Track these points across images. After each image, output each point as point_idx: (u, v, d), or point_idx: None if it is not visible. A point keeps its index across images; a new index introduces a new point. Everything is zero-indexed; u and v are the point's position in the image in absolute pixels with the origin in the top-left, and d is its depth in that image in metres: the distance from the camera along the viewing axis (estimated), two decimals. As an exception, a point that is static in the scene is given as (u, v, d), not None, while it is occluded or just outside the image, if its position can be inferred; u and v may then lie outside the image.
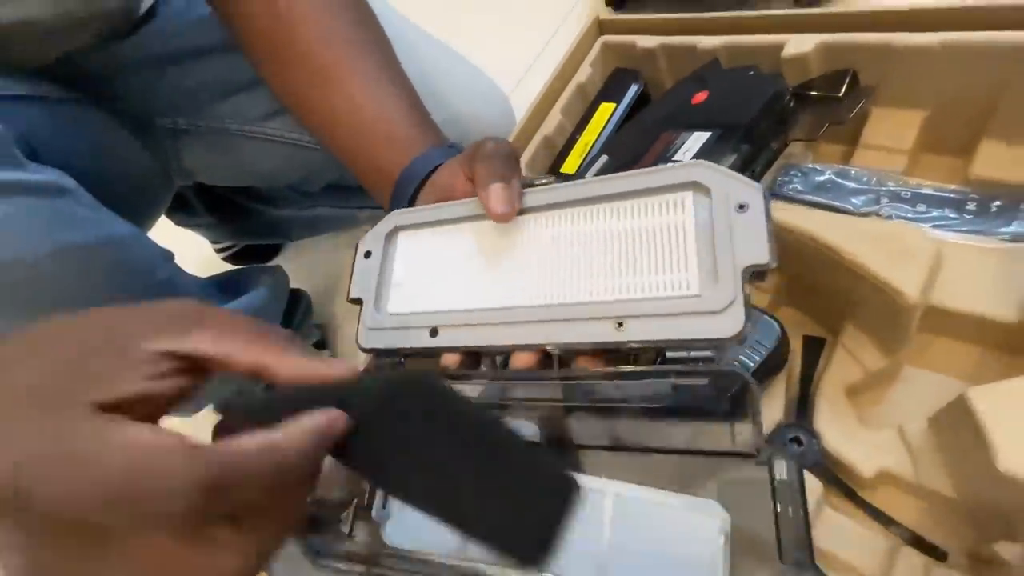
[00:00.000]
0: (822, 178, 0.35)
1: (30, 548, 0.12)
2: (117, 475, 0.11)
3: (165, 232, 0.46)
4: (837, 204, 0.33)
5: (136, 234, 0.31)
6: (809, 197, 0.35)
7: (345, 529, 0.25)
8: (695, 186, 0.18)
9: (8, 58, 0.31)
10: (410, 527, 0.25)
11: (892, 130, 0.34)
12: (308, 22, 0.31)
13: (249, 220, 0.55)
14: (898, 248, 0.26)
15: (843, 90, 0.33)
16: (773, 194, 0.36)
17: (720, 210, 0.18)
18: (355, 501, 0.26)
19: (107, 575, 0.12)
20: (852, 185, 0.34)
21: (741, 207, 0.17)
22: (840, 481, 0.28)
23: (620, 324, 0.18)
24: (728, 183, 0.18)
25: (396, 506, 0.25)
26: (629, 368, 0.19)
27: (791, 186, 0.36)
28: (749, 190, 0.17)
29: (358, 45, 0.31)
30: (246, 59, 0.33)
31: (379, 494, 0.25)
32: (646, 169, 0.19)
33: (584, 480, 0.22)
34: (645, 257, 0.19)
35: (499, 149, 0.22)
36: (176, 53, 0.38)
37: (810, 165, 0.36)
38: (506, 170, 0.21)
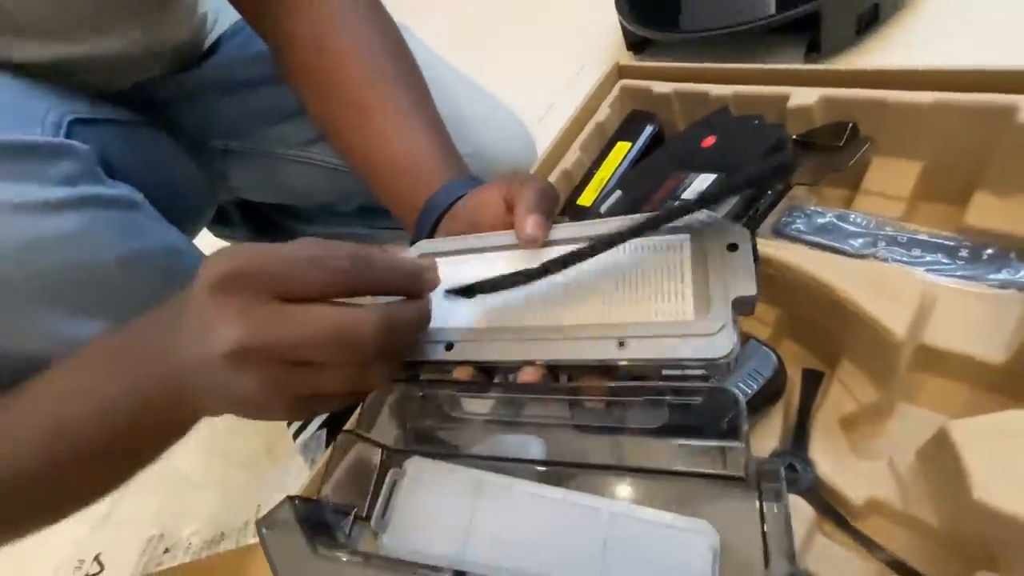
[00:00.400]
0: (823, 220, 0.37)
1: (270, 374, 0.19)
2: (336, 327, 0.18)
3: (201, 242, 0.49)
4: (837, 245, 0.36)
5: (189, 243, 0.35)
6: (811, 238, 0.37)
7: (343, 535, 0.26)
8: (693, 230, 0.21)
9: (92, 85, 0.35)
10: (408, 538, 0.25)
11: (891, 178, 0.37)
12: (350, 61, 0.34)
13: (282, 235, 0.59)
14: (889, 289, 0.28)
15: (844, 140, 0.36)
16: (777, 233, 0.39)
17: (714, 250, 0.20)
18: (355, 509, 0.27)
19: (317, 388, 0.20)
20: (851, 228, 0.36)
21: (732, 247, 0.20)
22: (832, 508, 0.29)
23: (622, 344, 0.20)
24: (721, 228, 0.20)
25: (396, 516, 0.26)
26: (629, 384, 0.21)
27: (794, 227, 0.38)
28: (739, 234, 0.20)
29: (394, 83, 0.35)
30: (292, 91, 0.37)
31: (380, 503, 0.26)
32: (653, 214, 0.21)
33: (581, 497, 0.24)
34: (647, 288, 0.21)
35: (545, 187, 0.25)
36: (233, 84, 0.42)
37: (813, 208, 0.39)
38: (547, 204, 0.24)
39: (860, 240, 0.35)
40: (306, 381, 0.19)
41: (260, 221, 0.59)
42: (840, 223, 0.37)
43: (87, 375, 0.21)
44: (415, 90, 0.36)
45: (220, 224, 0.58)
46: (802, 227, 0.38)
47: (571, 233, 0.24)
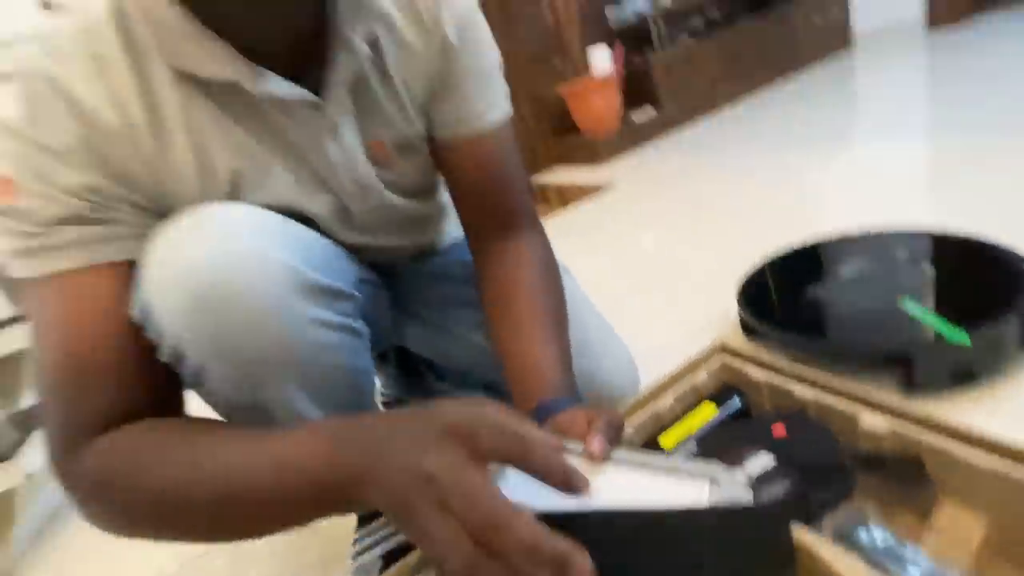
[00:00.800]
0: (885, 543, 0.40)
1: (454, 524, 0.24)
2: (491, 514, 0.24)
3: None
4: (892, 570, 0.37)
5: (372, 368, 0.49)
6: (868, 553, 0.39)
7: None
8: (711, 479, 0.29)
9: (370, 259, 0.55)
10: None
11: (958, 523, 0.39)
12: (522, 297, 0.50)
13: (418, 381, 0.73)
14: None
15: (910, 475, 0.40)
16: (839, 536, 0.41)
17: (726, 490, 0.28)
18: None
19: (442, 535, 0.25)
20: (911, 559, 0.38)
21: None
22: None
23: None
24: (731, 480, 0.28)
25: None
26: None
27: (855, 536, 0.40)
28: (742, 488, 0.28)
29: (544, 313, 0.49)
30: (479, 294, 0.54)
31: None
32: (690, 460, 0.30)
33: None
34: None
35: (614, 419, 0.35)
36: (444, 275, 0.62)
37: (878, 526, 0.41)
38: (612, 434, 0.34)
39: (917, 574, 0.37)
40: (487, 559, 0.24)
41: (407, 365, 0.75)
42: (901, 550, 0.39)
43: (308, 437, 0.31)
44: (559, 320, 0.50)
45: (377, 358, 0.76)
46: (864, 539, 0.40)
47: (625, 458, 0.33)
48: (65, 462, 0.36)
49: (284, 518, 0.32)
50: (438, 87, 0.49)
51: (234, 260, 0.36)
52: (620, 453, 0.33)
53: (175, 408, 0.40)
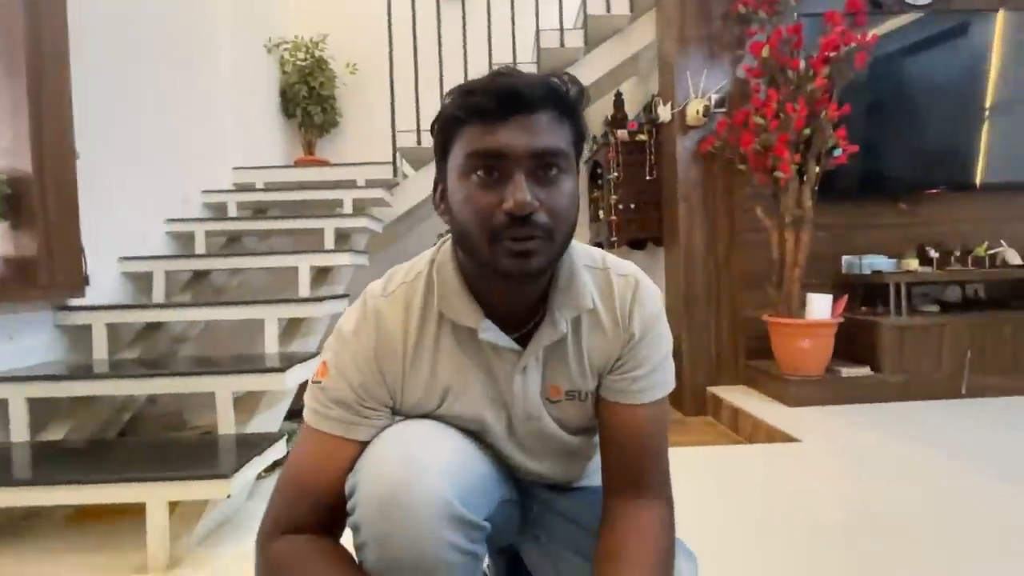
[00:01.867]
0: None
1: None
2: None
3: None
4: None
5: None
6: None
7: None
8: None
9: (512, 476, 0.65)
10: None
11: None
12: (635, 557, 0.54)
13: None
14: None
15: None
16: None
17: None
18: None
19: None
20: None
21: None
22: None
23: None
24: None
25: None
26: None
27: None
28: None
29: None
30: (598, 539, 0.58)
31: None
32: None
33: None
34: None
35: None
36: (571, 515, 0.68)
37: None
38: None
39: None
40: None
41: (518, 566, 0.80)
42: None
43: None
44: None
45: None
46: None
47: None
48: (264, 540, 0.55)
49: None
50: (615, 364, 0.61)
51: (410, 487, 0.50)
52: None
53: (336, 537, 0.57)
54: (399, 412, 0.61)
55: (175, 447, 1.37)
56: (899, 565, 1.01)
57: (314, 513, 0.55)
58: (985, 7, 2.30)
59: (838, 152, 2.01)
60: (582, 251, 0.62)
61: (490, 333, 0.56)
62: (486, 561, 0.90)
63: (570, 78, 0.53)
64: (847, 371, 2.02)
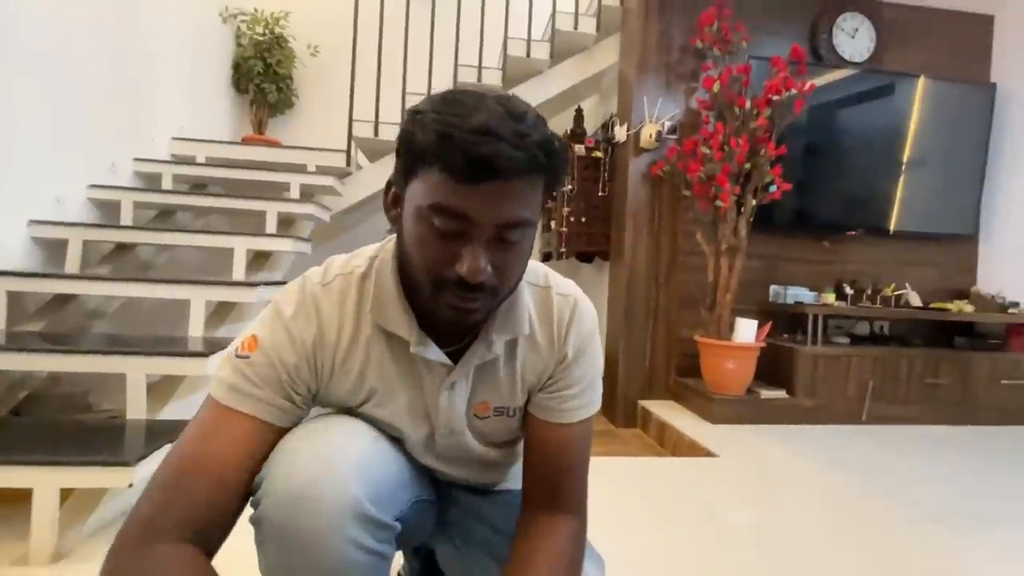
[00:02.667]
0: None
1: None
2: None
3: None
4: None
5: None
6: None
7: None
8: None
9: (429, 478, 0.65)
10: None
11: None
12: (543, 563, 0.56)
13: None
14: None
15: None
16: None
17: None
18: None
19: None
20: None
21: None
22: None
23: None
24: None
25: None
26: None
27: None
28: None
29: None
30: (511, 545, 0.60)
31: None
32: None
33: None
34: None
35: None
36: (487, 519, 0.69)
37: None
38: None
39: None
40: None
41: (432, 565, 0.79)
42: None
43: None
44: None
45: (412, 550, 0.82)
46: None
47: None
48: (128, 545, 0.46)
49: None
50: (547, 382, 0.62)
51: (319, 482, 0.48)
52: None
53: (218, 542, 0.50)
54: (319, 402, 0.59)
55: (75, 430, 1.27)
56: (798, 566, 1.09)
57: (207, 507, 0.48)
58: (910, 71, 2.54)
59: (773, 188, 2.15)
60: (528, 268, 0.61)
61: (421, 347, 0.56)
62: (400, 562, 0.89)
63: (554, 135, 0.48)
64: (766, 393, 2.16)
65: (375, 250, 0.60)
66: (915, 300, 2.47)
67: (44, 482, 0.98)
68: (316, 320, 0.56)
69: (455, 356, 0.58)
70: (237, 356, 0.54)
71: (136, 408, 1.27)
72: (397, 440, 0.62)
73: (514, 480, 0.73)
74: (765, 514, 1.37)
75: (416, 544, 0.72)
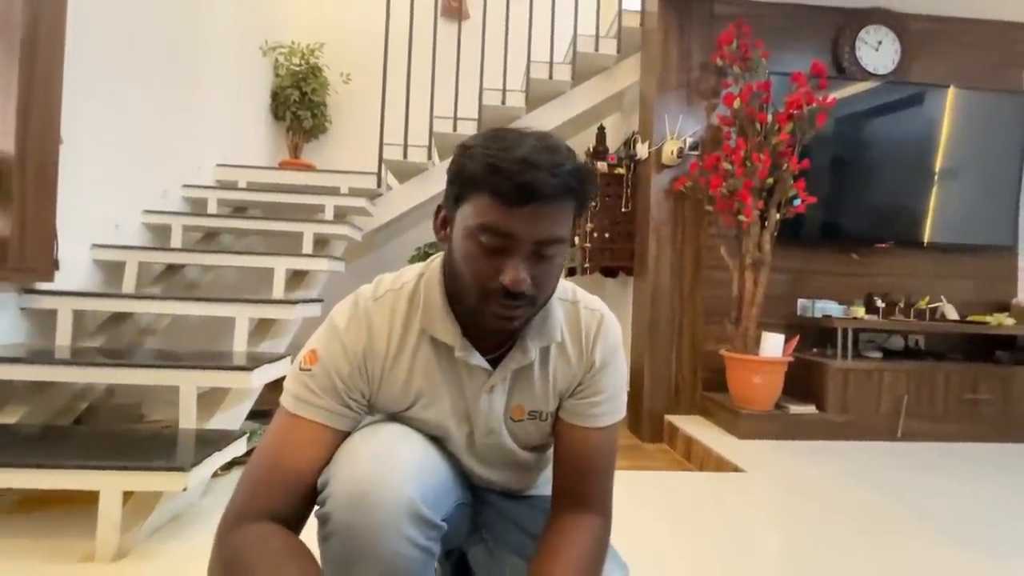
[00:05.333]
0: None
1: None
2: None
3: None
4: None
5: None
6: None
7: None
8: None
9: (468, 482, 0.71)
10: None
11: None
12: (568, 559, 0.60)
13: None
14: None
15: None
16: None
17: None
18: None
19: None
20: None
21: None
22: None
23: None
24: None
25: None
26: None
27: None
28: None
29: None
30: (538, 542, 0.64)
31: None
32: None
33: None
34: None
35: None
36: (519, 523, 0.73)
37: None
38: None
39: None
40: None
41: (464, 566, 0.84)
42: None
43: None
44: None
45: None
46: None
47: None
48: (225, 523, 0.56)
49: None
50: (576, 388, 0.68)
51: (379, 485, 0.54)
52: None
53: (298, 527, 0.58)
54: (373, 407, 0.66)
55: (133, 438, 1.37)
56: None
57: (286, 499, 0.56)
58: (938, 82, 2.51)
59: (797, 202, 2.15)
60: (558, 286, 0.69)
61: (465, 353, 0.62)
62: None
63: (586, 168, 0.56)
64: (795, 408, 2.13)
65: (422, 268, 0.67)
66: (951, 313, 2.41)
67: (109, 485, 1.07)
68: (367, 331, 0.63)
69: (493, 363, 0.65)
70: (300, 369, 0.62)
71: (187, 418, 1.36)
72: (442, 446, 0.68)
73: (544, 486, 0.77)
74: (791, 530, 1.36)
75: (452, 546, 0.77)
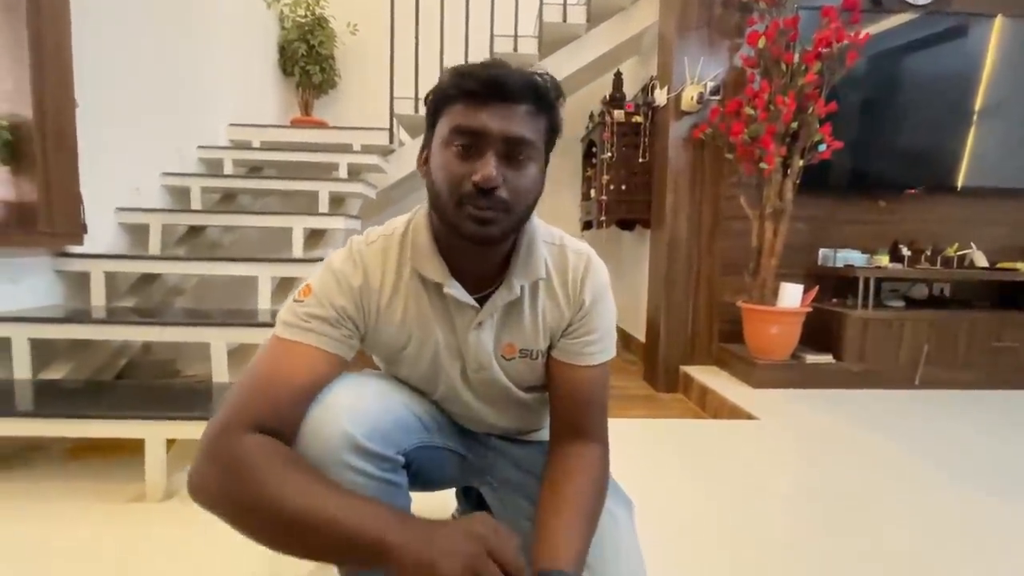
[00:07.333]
0: None
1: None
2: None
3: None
4: None
5: (409, 505, 0.66)
6: None
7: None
8: None
9: (466, 430, 0.75)
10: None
11: None
12: (574, 488, 0.64)
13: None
14: None
15: None
16: None
17: None
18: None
19: None
20: None
21: None
22: None
23: None
24: None
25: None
26: None
27: None
28: None
29: (583, 511, 0.63)
30: (543, 474, 0.68)
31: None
32: None
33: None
34: None
35: None
36: (521, 464, 0.79)
37: None
38: None
39: None
40: None
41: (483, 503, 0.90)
42: None
43: (383, 508, 0.51)
44: (588, 519, 0.63)
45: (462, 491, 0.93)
46: None
47: None
48: (223, 431, 0.54)
49: (335, 552, 0.50)
50: (567, 327, 0.71)
51: (322, 423, 0.59)
52: None
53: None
54: (369, 346, 0.70)
55: (172, 391, 1.45)
56: (835, 531, 1.13)
57: (279, 412, 0.57)
58: (984, 11, 2.33)
59: (822, 148, 2.07)
60: (543, 229, 0.71)
61: (453, 289, 0.65)
62: (454, 504, 1.00)
63: (551, 78, 0.61)
64: (811, 358, 2.14)
65: (410, 215, 0.70)
66: (981, 260, 2.33)
67: (154, 433, 1.15)
68: (363, 270, 0.66)
69: (482, 304, 0.67)
70: (293, 301, 0.64)
71: (220, 372, 1.44)
72: (425, 399, 0.72)
73: (547, 432, 0.80)
74: (803, 475, 1.40)
75: (448, 486, 0.83)
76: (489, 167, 0.56)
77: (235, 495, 0.52)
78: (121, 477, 1.25)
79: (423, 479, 0.71)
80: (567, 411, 0.70)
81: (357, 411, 0.61)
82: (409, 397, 0.71)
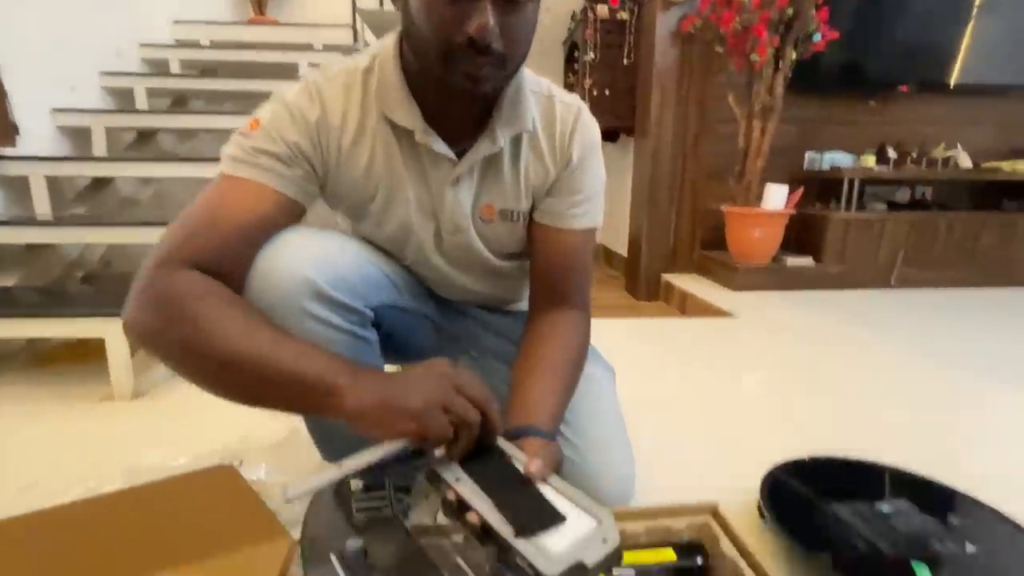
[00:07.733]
0: None
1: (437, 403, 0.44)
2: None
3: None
4: None
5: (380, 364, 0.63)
6: None
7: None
8: (599, 519, 0.40)
9: (441, 297, 0.71)
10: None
11: None
12: (552, 349, 0.61)
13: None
14: None
15: None
16: None
17: (605, 528, 0.38)
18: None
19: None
20: None
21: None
22: None
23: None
24: (611, 526, 0.39)
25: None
26: None
27: None
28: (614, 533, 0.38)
29: (561, 373, 0.60)
30: (521, 342, 0.65)
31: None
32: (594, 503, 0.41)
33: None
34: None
35: (557, 455, 0.48)
36: (501, 331, 0.75)
37: None
38: (552, 464, 0.47)
39: None
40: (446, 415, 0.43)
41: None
42: None
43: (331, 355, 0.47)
44: (565, 382, 0.60)
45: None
46: None
47: (552, 482, 0.44)
48: (160, 266, 0.48)
49: (280, 395, 0.46)
50: (552, 187, 0.64)
51: (279, 265, 0.52)
52: (552, 479, 0.44)
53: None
54: (330, 195, 0.62)
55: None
56: (812, 405, 1.16)
57: (224, 250, 0.51)
58: None
59: (817, 38, 1.95)
60: (530, 77, 0.62)
61: (426, 137, 0.57)
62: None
63: None
64: (792, 260, 2.14)
65: (376, 48, 0.60)
66: (965, 161, 2.31)
67: (114, 331, 1.09)
68: (319, 103, 0.57)
69: (461, 157, 0.60)
70: (239, 135, 0.55)
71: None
72: (394, 260, 0.66)
73: (522, 304, 0.77)
74: (779, 364, 1.42)
75: (414, 356, 0.74)
76: (486, 15, 0.47)
77: (169, 333, 0.47)
78: (90, 380, 1.21)
79: (394, 345, 0.66)
80: (547, 277, 0.66)
81: (319, 258, 0.54)
82: (376, 255, 0.64)
